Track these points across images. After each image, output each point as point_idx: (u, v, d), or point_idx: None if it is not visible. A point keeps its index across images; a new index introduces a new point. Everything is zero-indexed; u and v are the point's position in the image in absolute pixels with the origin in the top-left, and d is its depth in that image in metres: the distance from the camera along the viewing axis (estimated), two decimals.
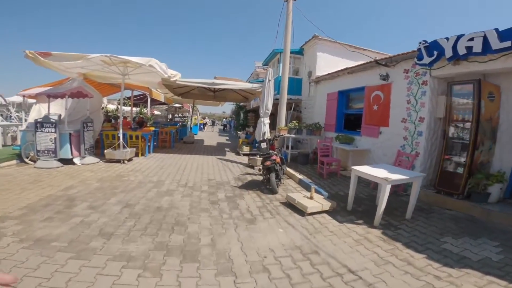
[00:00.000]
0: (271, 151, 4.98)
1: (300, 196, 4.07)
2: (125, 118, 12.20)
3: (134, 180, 5.05)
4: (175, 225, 3.14)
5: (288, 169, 6.33)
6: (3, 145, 8.11)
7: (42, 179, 4.72)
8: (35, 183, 4.45)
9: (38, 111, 6.62)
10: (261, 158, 5.21)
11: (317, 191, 4.58)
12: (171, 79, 6.75)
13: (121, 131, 6.65)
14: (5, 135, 8.64)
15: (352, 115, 7.78)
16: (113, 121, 12.21)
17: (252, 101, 11.70)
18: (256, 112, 16.43)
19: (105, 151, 6.57)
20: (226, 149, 11.33)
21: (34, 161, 5.82)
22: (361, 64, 6.80)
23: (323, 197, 4.27)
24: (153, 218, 3.31)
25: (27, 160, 5.92)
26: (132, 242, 2.67)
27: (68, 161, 6.02)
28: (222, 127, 35.03)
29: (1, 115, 10.05)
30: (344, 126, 7.95)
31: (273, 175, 4.80)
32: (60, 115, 6.43)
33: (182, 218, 3.36)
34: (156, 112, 24.95)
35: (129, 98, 12.32)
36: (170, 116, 22.73)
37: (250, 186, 5.22)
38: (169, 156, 8.17)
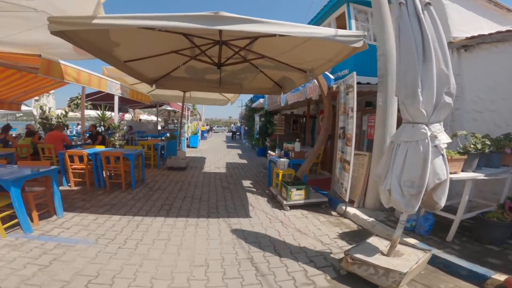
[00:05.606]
0: None
1: None
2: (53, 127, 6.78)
3: None
4: None
5: None
6: None
7: None
8: None
9: None
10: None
11: None
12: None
13: None
14: None
15: None
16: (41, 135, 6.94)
17: (288, 93, 6.25)
18: (285, 114, 9.71)
19: None
20: (245, 182, 5.93)
21: None
22: None
23: None
24: None
25: None
26: None
27: None
28: (230, 134, 29.89)
29: None
30: None
31: None
32: None
33: None
34: (147, 118, 19.65)
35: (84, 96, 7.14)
36: (163, 123, 17.46)
37: None
38: (97, 232, 2.85)
